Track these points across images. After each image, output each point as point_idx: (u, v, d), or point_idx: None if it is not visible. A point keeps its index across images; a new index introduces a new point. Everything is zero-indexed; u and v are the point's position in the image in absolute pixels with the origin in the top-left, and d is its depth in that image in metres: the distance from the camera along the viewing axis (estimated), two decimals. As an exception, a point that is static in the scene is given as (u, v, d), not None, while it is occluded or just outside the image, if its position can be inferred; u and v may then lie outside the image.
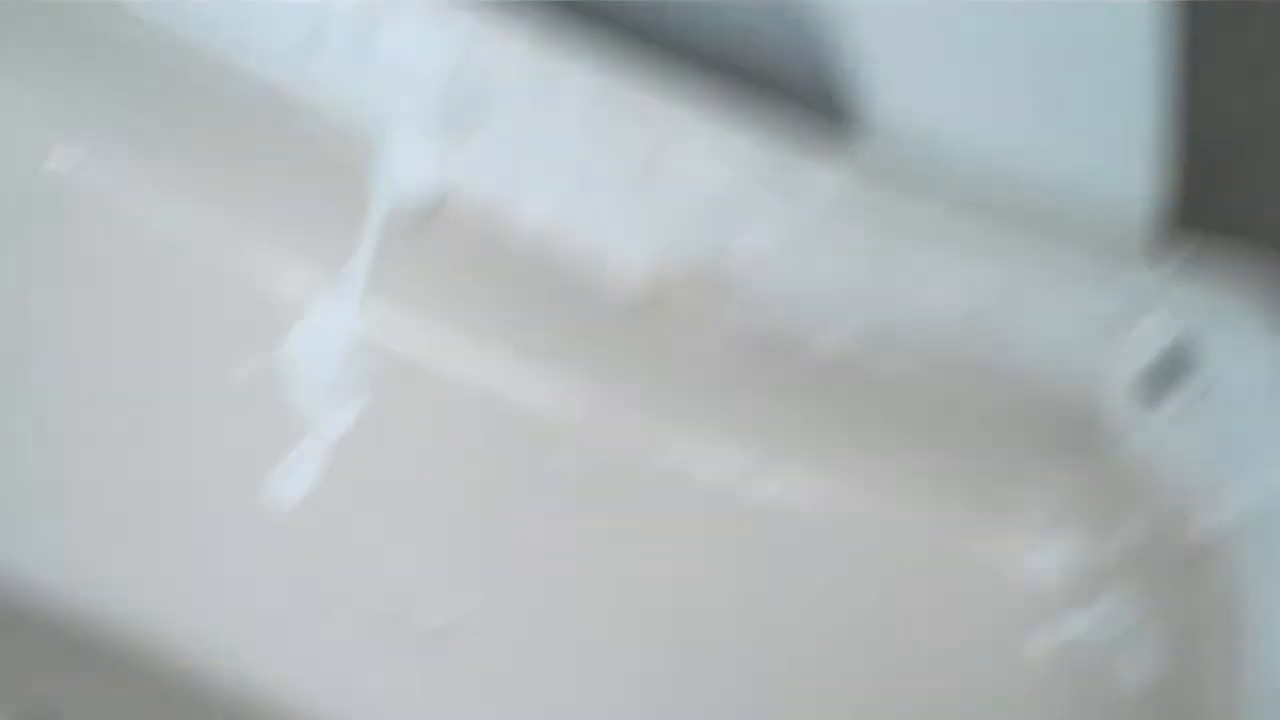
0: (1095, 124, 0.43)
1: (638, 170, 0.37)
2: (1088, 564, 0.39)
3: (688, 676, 0.38)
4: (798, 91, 0.48)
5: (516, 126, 0.37)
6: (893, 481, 0.39)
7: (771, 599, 0.39)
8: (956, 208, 0.39)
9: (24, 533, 0.38)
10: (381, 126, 0.37)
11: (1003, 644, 0.39)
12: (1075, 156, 0.42)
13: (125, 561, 0.38)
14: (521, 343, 0.39)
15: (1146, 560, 0.38)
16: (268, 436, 0.39)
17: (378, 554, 0.39)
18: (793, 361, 0.38)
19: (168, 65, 0.38)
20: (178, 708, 0.37)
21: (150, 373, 0.39)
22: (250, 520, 0.38)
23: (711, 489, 0.40)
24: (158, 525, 0.39)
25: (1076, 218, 0.42)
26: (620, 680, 0.38)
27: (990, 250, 0.38)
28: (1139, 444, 0.37)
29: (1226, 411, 0.37)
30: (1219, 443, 0.37)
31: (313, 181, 0.38)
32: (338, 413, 0.39)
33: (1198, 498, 0.37)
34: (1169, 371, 0.37)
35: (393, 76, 0.37)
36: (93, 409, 0.39)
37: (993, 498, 0.39)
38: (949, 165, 0.42)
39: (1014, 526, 0.39)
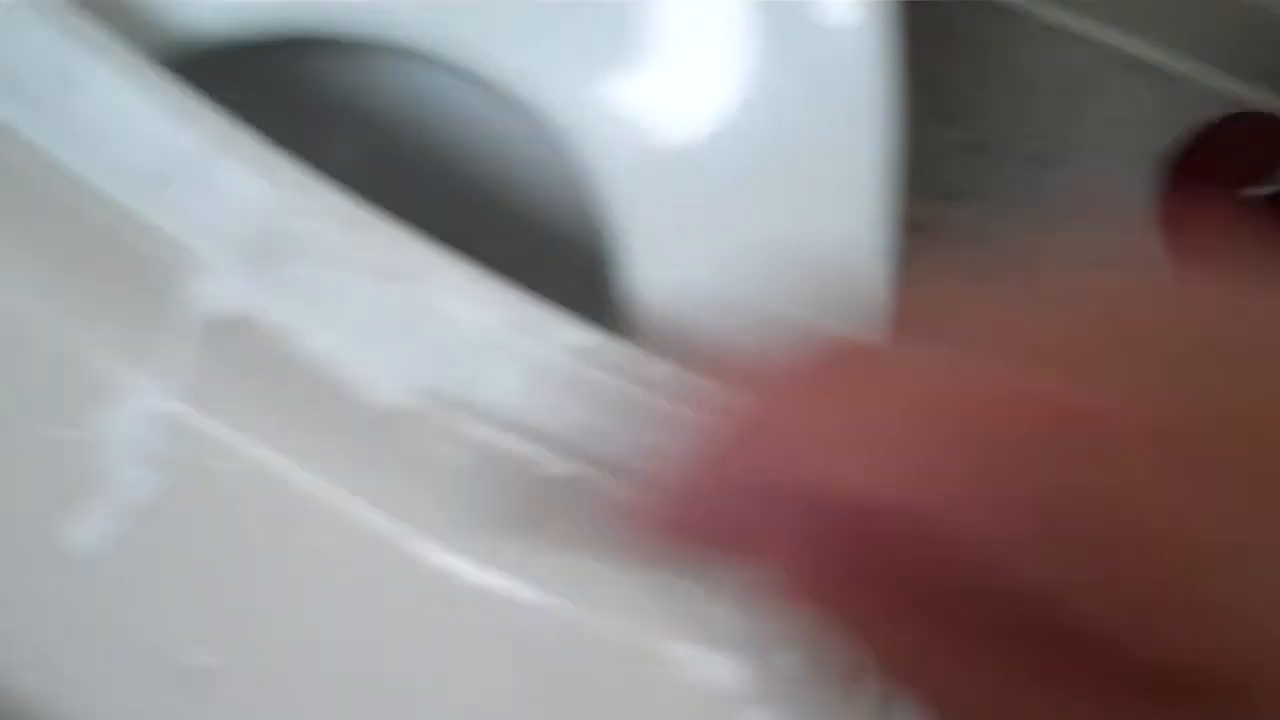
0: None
1: (410, 310, 0.45)
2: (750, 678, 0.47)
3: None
4: (570, 249, 0.57)
5: (315, 266, 0.45)
6: (596, 585, 0.47)
7: (477, 678, 0.47)
8: (684, 367, 0.47)
9: None
10: (204, 250, 0.45)
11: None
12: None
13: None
14: (294, 441, 0.47)
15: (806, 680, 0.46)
16: (75, 491, 0.47)
17: (154, 601, 0.46)
18: (526, 479, 0.46)
19: (35, 177, 0.46)
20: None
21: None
22: (51, 561, 0.45)
23: (441, 574, 0.47)
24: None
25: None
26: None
27: (711, 409, 0.46)
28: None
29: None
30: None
31: (139, 286, 0.46)
32: (137, 478, 0.47)
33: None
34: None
35: (220, 210, 0.45)
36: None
37: (676, 609, 0.47)
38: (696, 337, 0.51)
39: (690, 636, 0.47)
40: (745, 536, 0.29)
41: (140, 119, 0.46)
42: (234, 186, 0.45)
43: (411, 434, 0.45)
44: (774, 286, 0.52)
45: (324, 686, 0.46)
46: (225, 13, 0.55)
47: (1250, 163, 1.17)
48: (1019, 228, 1.13)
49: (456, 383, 0.45)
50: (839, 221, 0.53)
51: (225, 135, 0.46)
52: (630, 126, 0.54)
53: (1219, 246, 0.26)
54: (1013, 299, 0.27)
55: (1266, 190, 1.16)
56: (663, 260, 0.53)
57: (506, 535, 0.46)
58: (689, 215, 0.53)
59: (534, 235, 0.64)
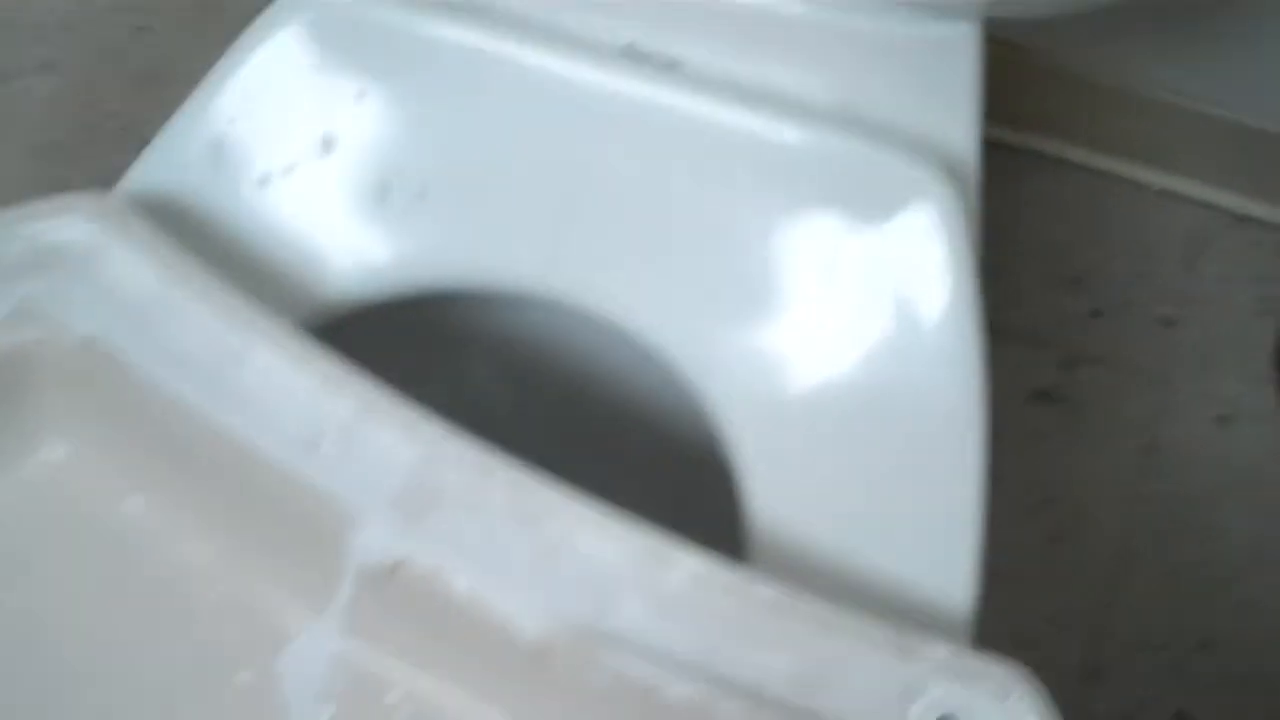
0: (922, 542, 0.55)
1: (543, 550, 0.49)
2: None
3: None
4: (695, 475, 0.61)
5: (457, 513, 0.50)
6: None
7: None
8: (798, 590, 0.50)
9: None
10: (359, 505, 0.50)
11: None
12: (904, 562, 0.54)
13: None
14: (450, 672, 0.51)
15: None
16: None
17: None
18: (652, 704, 0.49)
19: (205, 441, 0.52)
20: None
21: (170, 673, 0.52)
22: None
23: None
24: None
25: (900, 606, 0.53)
26: None
27: (819, 626, 0.49)
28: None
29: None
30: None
31: (306, 539, 0.51)
32: (316, 713, 0.52)
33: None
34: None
35: (370, 468, 0.50)
36: (123, 697, 0.52)
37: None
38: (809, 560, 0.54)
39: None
40: None
41: (296, 389, 0.52)
42: (381, 445, 0.51)
43: (551, 664, 0.49)
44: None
45: None
46: (364, 277, 0.61)
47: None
48: (1143, 390, 1.15)
49: (590, 613, 0.49)
50: (932, 501, 0.56)
51: (370, 399, 0.51)
52: (751, 374, 0.59)
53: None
54: None
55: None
56: (778, 493, 0.57)
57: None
58: (801, 457, 0.57)
59: (660, 461, 0.68)
